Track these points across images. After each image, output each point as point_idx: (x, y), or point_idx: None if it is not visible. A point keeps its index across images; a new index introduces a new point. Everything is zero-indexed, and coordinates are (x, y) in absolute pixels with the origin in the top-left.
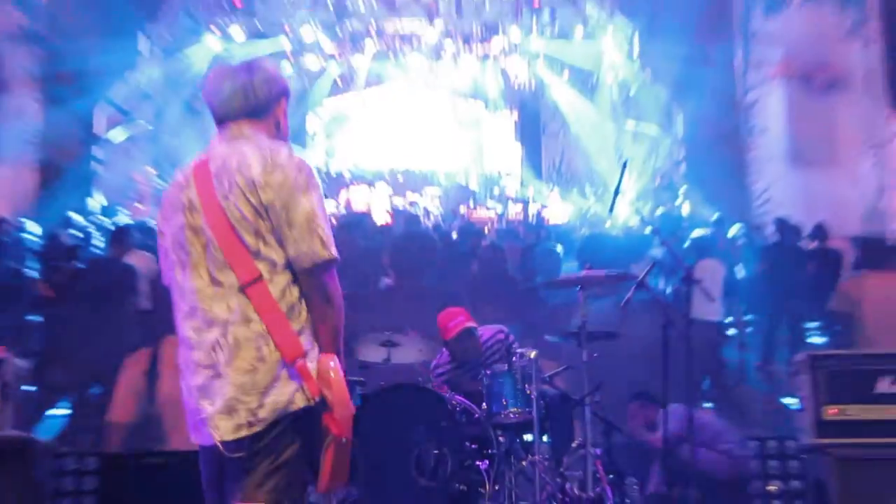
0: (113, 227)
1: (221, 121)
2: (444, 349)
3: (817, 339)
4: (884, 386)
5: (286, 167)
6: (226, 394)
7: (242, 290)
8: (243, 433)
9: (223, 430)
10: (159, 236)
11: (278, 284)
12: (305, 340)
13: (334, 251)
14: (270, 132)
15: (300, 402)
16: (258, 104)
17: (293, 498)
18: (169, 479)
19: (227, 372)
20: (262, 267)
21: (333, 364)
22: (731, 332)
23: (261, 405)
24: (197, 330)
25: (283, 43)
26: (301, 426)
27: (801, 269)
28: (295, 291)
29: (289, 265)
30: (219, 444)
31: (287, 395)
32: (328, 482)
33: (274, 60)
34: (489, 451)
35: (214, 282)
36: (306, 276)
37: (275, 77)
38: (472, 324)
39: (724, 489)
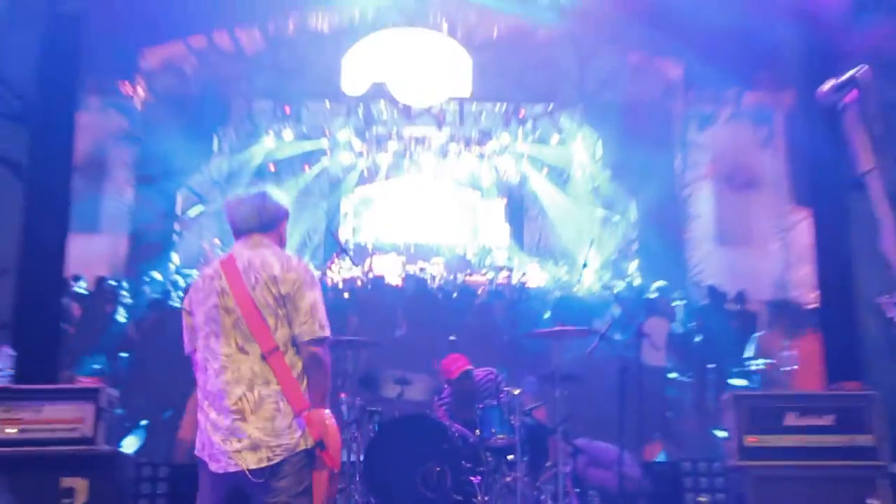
0: (185, 285)
1: (241, 233)
2: (446, 385)
3: (738, 382)
4: (790, 419)
5: (298, 269)
6: (251, 435)
7: (264, 357)
8: (264, 465)
9: (250, 462)
10: (186, 316)
11: (289, 355)
12: (306, 398)
13: (328, 331)
14: (277, 242)
15: (303, 445)
16: (269, 222)
17: None
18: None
19: (251, 419)
20: (278, 341)
21: (328, 413)
22: (673, 375)
23: (278, 445)
24: (227, 383)
25: (324, 143)
26: (304, 462)
27: (726, 326)
28: (299, 363)
29: (294, 342)
30: (247, 471)
31: (295, 439)
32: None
33: (280, 190)
34: (480, 469)
35: (241, 350)
36: (306, 348)
37: (279, 203)
38: (469, 367)
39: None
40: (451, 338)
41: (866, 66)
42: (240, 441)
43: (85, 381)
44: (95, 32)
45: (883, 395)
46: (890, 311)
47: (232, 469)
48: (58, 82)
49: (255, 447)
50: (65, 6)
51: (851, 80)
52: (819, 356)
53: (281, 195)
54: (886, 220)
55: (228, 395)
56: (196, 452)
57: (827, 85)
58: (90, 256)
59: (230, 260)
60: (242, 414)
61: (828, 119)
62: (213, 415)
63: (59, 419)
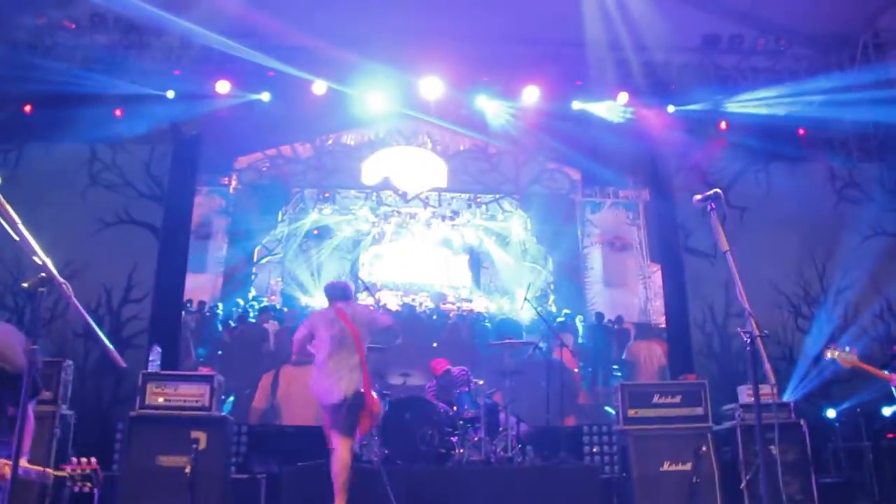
0: (259, 308)
1: (338, 299)
2: (433, 379)
3: (618, 374)
4: (656, 399)
5: (369, 310)
6: (345, 386)
7: (360, 360)
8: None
9: (346, 395)
10: (306, 329)
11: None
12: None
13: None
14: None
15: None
16: (350, 295)
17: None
18: (281, 439)
19: (354, 380)
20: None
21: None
22: (577, 370)
23: (355, 391)
24: (336, 364)
25: (349, 216)
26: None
27: (609, 339)
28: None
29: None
30: (342, 399)
31: (355, 394)
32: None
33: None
34: (457, 432)
35: (352, 354)
36: (388, 325)
37: (350, 287)
38: (449, 366)
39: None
40: (434, 345)
41: (719, 189)
42: (340, 387)
43: (203, 370)
44: (207, 146)
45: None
46: (743, 336)
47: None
48: (181, 177)
49: (347, 391)
50: (187, 131)
51: (713, 195)
52: (662, 356)
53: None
54: (737, 279)
55: (338, 370)
56: (316, 395)
57: (698, 196)
58: (199, 288)
59: (341, 310)
60: (342, 376)
61: (670, 211)
62: (328, 376)
63: (189, 394)
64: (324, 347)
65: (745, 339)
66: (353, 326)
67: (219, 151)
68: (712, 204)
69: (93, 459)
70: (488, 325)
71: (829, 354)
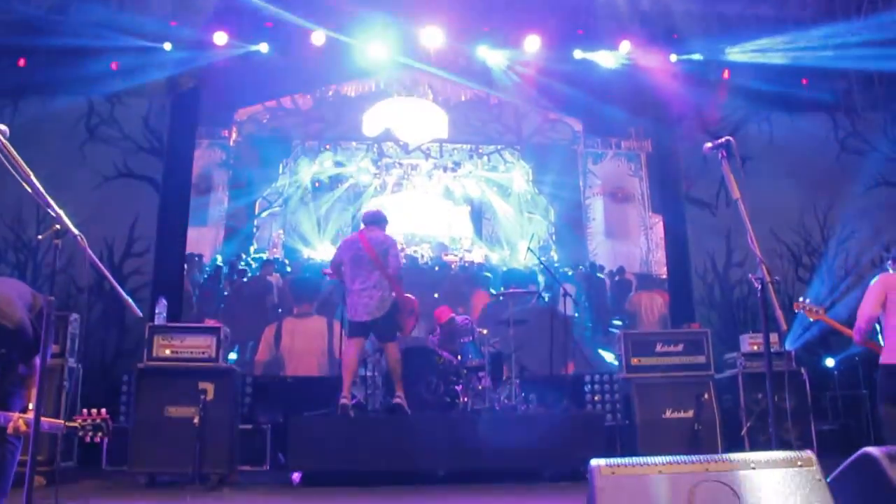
0: (261, 261)
1: (368, 224)
2: (438, 328)
3: (618, 323)
4: (658, 348)
5: (390, 241)
6: (375, 304)
7: (381, 276)
8: (379, 315)
9: (375, 314)
10: (339, 255)
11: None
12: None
13: (400, 270)
14: (383, 231)
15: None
16: (381, 222)
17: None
18: (285, 390)
19: (376, 298)
20: (385, 270)
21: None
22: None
23: (384, 307)
24: (363, 282)
25: (351, 168)
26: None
27: (603, 288)
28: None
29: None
30: (370, 319)
31: (390, 304)
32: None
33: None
34: (461, 381)
35: (371, 273)
36: (394, 275)
37: (384, 216)
38: (453, 314)
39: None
40: (436, 295)
41: (732, 137)
42: (368, 306)
43: (209, 322)
44: (206, 99)
45: (710, 332)
46: (755, 283)
47: (366, 318)
48: (181, 130)
49: (377, 309)
50: (185, 83)
51: (726, 143)
52: (664, 307)
53: (385, 213)
54: (749, 226)
55: (364, 289)
56: (351, 315)
57: (708, 144)
58: (200, 242)
59: (363, 235)
60: (372, 295)
61: (672, 161)
62: (358, 295)
63: (196, 345)
64: (348, 271)
65: (757, 285)
66: (370, 247)
67: (218, 104)
68: (723, 151)
69: (103, 410)
70: (489, 275)
71: (798, 308)
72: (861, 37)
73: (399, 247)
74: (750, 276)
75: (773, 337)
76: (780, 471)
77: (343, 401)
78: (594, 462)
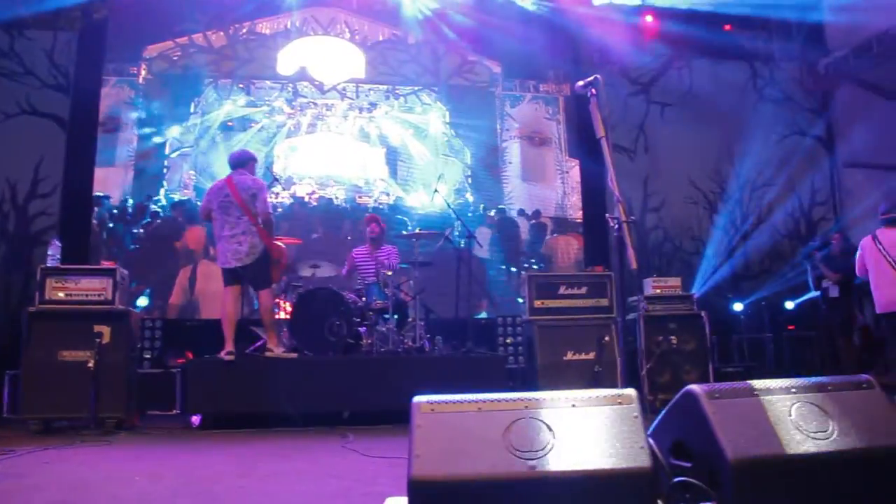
0: (172, 203)
1: (234, 167)
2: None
3: (535, 267)
4: (562, 290)
5: (258, 184)
6: (245, 251)
7: (250, 222)
8: (249, 262)
9: (245, 261)
10: (208, 201)
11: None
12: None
13: (271, 215)
14: (251, 172)
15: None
16: (247, 162)
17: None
18: (198, 333)
19: (245, 244)
20: (253, 216)
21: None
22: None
23: (255, 253)
24: (232, 228)
25: (264, 108)
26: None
27: (516, 231)
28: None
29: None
30: (240, 265)
31: (261, 250)
32: (277, 277)
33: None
34: (366, 323)
35: (239, 219)
36: (263, 221)
37: (252, 154)
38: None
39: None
40: (349, 238)
41: (599, 75)
42: (238, 252)
43: (105, 264)
44: (114, 34)
45: (616, 276)
46: (611, 222)
47: (236, 265)
48: (87, 66)
49: (246, 255)
50: (94, 15)
51: (594, 80)
52: (579, 251)
53: (251, 150)
54: (610, 167)
55: (233, 236)
56: (220, 263)
57: (580, 83)
58: (108, 182)
59: (230, 180)
60: (241, 242)
61: (587, 105)
62: (226, 242)
63: (91, 288)
64: (217, 218)
65: (613, 224)
66: (237, 192)
67: (127, 40)
68: (593, 90)
69: None
70: (404, 218)
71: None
72: None
73: (312, 189)
74: (607, 215)
75: (676, 281)
76: (599, 408)
77: (227, 357)
78: (416, 399)
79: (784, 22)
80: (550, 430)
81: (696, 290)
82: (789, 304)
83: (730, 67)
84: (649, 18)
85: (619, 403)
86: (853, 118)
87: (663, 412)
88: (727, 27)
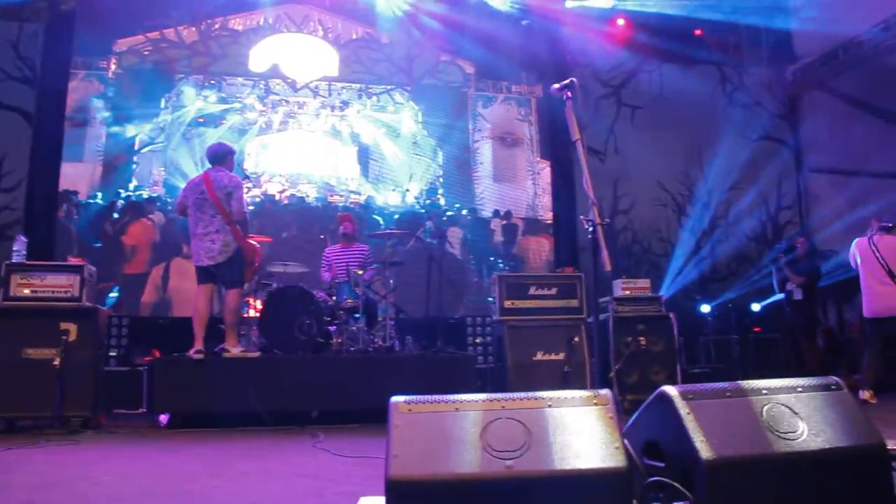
0: (142, 199)
1: (212, 162)
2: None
3: (506, 267)
4: (532, 291)
5: (234, 182)
6: (218, 248)
7: (224, 221)
8: (221, 260)
9: (217, 259)
10: (184, 197)
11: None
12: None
13: (246, 214)
14: (229, 169)
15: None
16: (224, 157)
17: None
18: (166, 331)
19: (218, 242)
20: (227, 214)
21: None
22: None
23: (227, 252)
24: (205, 227)
25: (236, 105)
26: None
27: (487, 233)
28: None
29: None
30: (213, 263)
31: (233, 249)
32: (249, 277)
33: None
34: (336, 321)
35: (213, 217)
36: (237, 220)
37: (229, 147)
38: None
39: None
40: (322, 237)
41: (575, 78)
42: (211, 251)
43: (73, 260)
44: (83, 26)
45: (585, 277)
46: (585, 224)
47: (209, 263)
48: (55, 58)
49: (219, 253)
50: (62, 6)
51: (570, 83)
52: (550, 252)
53: (230, 143)
54: (585, 169)
55: (207, 234)
56: (194, 260)
57: (556, 85)
58: (76, 178)
59: (206, 176)
60: (214, 240)
61: (561, 107)
62: (200, 240)
63: (57, 284)
64: (191, 215)
65: (588, 227)
66: (213, 191)
67: (96, 32)
68: (569, 93)
69: None
70: (378, 218)
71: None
72: None
73: (283, 187)
74: (582, 217)
75: (645, 282)
76: (575, 409)
77: (196, 355)
78: (393, 399)
79: (753, 28)
80: (527, 430)
81: (665, 292)
82: (755, 307)
83: (700, 72)
84: (621, 22)
85: (595, 404)
86: (819, 124)
87: (636, 413)
88: (698, 32)
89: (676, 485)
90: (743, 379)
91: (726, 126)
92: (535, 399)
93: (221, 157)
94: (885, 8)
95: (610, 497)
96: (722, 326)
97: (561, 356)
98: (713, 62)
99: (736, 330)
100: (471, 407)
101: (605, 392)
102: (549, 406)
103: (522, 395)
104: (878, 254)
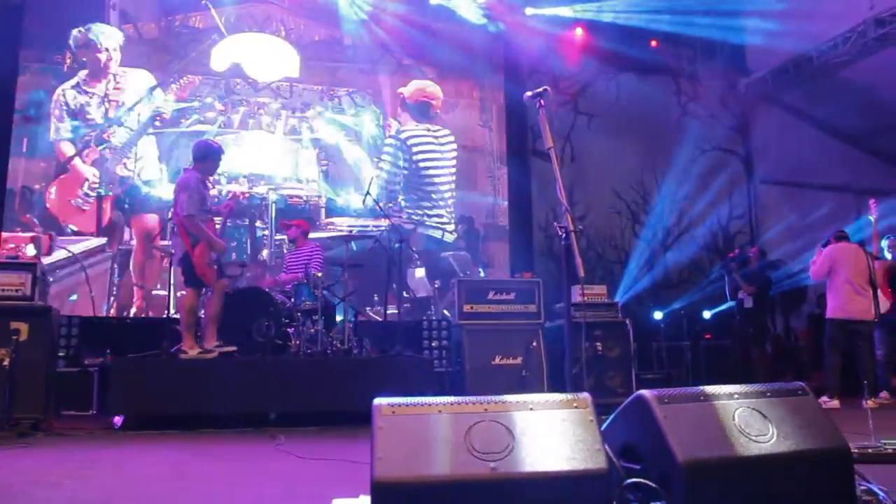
0: (99, 196)
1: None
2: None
3: (481, 272)
4: (491, 295)
5: (181, 184)
6: (174, 249)
7: (175, 222)
8: (175, 260)
9: (174, 259)
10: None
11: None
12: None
13: (185, 215)
14: (207, 169)
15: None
16: (196, 158)
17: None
18: (118, 332)
19: (175, 244)
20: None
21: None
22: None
23: (178, 253)
24: (174, 226)
25: (195, 104)
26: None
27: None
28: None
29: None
30: (173, 264)
31: (182, 250)
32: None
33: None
34: (294, 324)
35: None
36: (180, 221)
37: (208, 150)
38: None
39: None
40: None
41: (548, 87)
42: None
43: (24, 258)
44: (34, 17)
45: (543, 281)
46: (559, 231)
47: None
48: (4, 50)
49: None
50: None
51: (543, 92)
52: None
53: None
54: (558, 177)
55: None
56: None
57: (528, 93)
58: (29, 175)
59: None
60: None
61: (519, 115)
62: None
63: (9, 283)
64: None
65: (561, 234)
66: (175, 192)
67: (50, 24)
68: (541, 101)
69: None
70: (337, 220)
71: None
72: (707, 6)
73: (243, 190)
74: (555, 224)
75: (602, 288)
76: (556, 411)
77: (182, 355)
78: (376, 401)
79: (708, 42)
80: (510, 432)
81: (619, 298)
82: (707, 314)
83: (655, 82)
84: (579, 31)
85: (576, 407)
86: (770, 137)
87: (612, 416)
88: (654, 43)
89: (654, 486)
90: (694, 384)
91: (680, 136)
92: (518, 402)
93: (197, 157)
94: (835, 26)
95: (591, 497)
96: (674, 333)
97: (519, 360)
98: (669, 73)
99: (687, 336)
100: (454, 409)
101: (585, 395)
102: (532, 409)
103: (505, 398)
104: (869, 262)
